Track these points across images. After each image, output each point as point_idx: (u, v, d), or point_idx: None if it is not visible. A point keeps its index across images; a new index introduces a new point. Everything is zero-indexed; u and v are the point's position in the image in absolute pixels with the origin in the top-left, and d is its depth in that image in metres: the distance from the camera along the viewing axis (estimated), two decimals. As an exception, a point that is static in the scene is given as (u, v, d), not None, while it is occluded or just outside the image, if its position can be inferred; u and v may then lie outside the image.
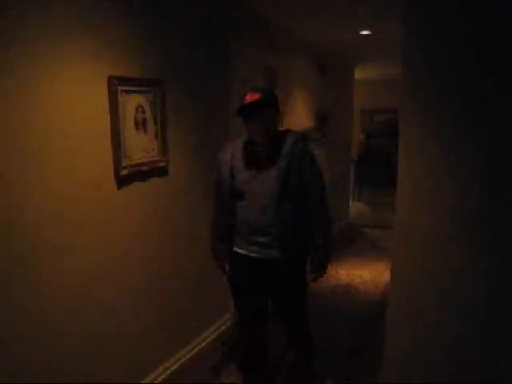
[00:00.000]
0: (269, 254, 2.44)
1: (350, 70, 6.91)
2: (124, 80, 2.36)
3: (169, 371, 2.90)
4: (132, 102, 2.43)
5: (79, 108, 2.17)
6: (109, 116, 2.31)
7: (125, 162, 2.40)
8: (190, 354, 3.12)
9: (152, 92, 2.56)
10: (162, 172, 2.73)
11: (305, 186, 2.37)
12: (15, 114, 1.89)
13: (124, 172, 2.40)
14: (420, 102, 2.14)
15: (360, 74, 7.26)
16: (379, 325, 3.68)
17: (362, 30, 4.49)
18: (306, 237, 2.47)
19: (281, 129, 2.51)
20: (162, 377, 2.85)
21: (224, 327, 3.53)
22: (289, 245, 2.42)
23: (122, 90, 2.36)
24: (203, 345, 3.25)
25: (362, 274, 4.99)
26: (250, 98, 2.30)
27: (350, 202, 7.73)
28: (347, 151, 7.25)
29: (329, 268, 2.55)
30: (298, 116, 4.96)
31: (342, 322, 3.82)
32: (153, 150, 2.61)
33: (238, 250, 2.53)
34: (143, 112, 2.50)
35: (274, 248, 2.42)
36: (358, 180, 8.99)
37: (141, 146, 2.52)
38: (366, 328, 3.73)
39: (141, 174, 2.54)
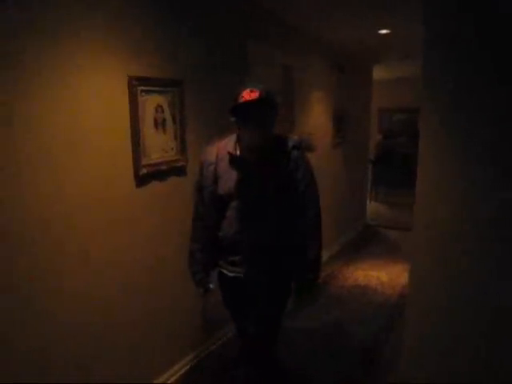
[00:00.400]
0: (253, 273, 2.18)
1: (368, 70, 6.85)
2: (144, 80, 2.39)
3: (186, 368, 2.92)
4: (151, 102, 2.45)
5: (100, 108, 2.20)
6: (129, 116, 2.34)
7: (144, 162, 2.43)
8: (206, 352, 3.13)
9: (171, 92, 2.58)
10: (181, 171, 2.75)
11: (299, 196, 2.14)
12: (39, 114, 1.93)
13: (143, 171, 2.43)
14: (439, 101, 2.11)
15: (378, 73, 7.20)
16: (396, 326, 3.66)
17: (381, 28, 4.45)
18: (295, 252, 2.18)
19: (276, 134, 2.19)
20: (174, 378, 2.89)
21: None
22: (275, 262, 2.17)
23: (142, 90, 2.39)
24: (220, 343, 3.26)
25: (379, 276, 4.94)
26: (248, 96, 1.97)
27: (368, 203, 7.66)
28: (365, 151, 7.19)
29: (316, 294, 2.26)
30: (315, 116, 4.94)
31: (359, 323, 3.79)
32: (172, 149, 2.63)
33: (223, 271, 2.27)
34: (162, 112, 2.52)
35: (259, 266, 2.17)
36: (375, 180, 8.92)
37: (160, 146, 2.54)
38: (383, 329, 3.70)
39: (159, 173, 2.57)
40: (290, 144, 2.14)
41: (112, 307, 2.38)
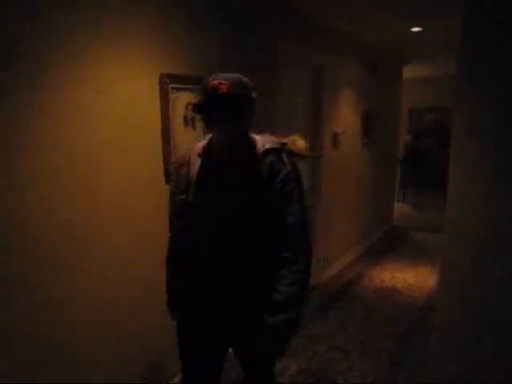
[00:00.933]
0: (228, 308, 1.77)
1: (399, 68, 6.75)
2: (175, 78, 2.41)
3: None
4: (182, 100, 2.48)
5: (131, 105, 2.24)
6: (159, 113, 2.37)
7: (174, 158, 2.45)
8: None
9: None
10: (209, 169, 2.76)
11: (280, 210, 1.69)
12: (73, 110, 1.97)
13: (173, 168, 2.45)
14: (472, 101, 2.07)
15: (408, 72, 7.09)
16: (422, 329, 3.60)
17: (413, 26, 4.38)
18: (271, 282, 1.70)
19: (255, 133, 1.80)
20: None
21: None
22: (252, 293, 1.74)
23: (173, 88, 2.41)
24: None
25: (405, 278, 4.87)
26: (216, 88, 1.59)
27: (395, 204, 7.56)
28: (394, 151, 7.09)
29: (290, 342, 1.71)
30: (344, 116, 4.90)
31: (385, 325, 3.75)
32: (200, 146, 2.65)
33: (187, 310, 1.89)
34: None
35: (234, 298, 1.75)
36: (403, 181, 8.78)
37: (189, 143, 2.56)
38: (409, 331, 3.65)
39: (188, 170, 2.59)
40: (260, 146, 1.71)
41: (141, 305, 2.42)
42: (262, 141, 1.74)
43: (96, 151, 2.09)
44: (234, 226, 1.68)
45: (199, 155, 1.77)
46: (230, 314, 1.76)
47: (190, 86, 2.53)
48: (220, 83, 1.59)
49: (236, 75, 1.69)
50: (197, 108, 1.65)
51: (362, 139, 5.44)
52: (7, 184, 1.76)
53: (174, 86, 2.42)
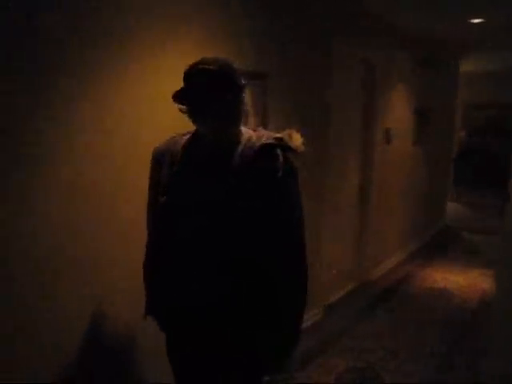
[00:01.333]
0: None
1: (455, 63, 6.50)
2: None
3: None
4: (235, 95, 2.49)
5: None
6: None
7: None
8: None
9: (255, 85, 2.61)
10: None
11: (270, 218, 1.45)
12: (124, 107, 2.00)
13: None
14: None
15: (466, 66, 6.81)
16: (474, 333, 3.48)
17: (473, 17, 4.18)
18: (256, 308, 1.48)
19: (247, 128, 1.58)
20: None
21: (313, 320, 3.55)
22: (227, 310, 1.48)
23: (227, 83, 2.43)
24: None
25: (457, 280, 4.72)
26: (196, 76, 1.42)
27: (448, 203, 7.30)
28: (448, 149, 6.86)
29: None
30: (396, 112, 4.78)
31: (435, 327, 3.64)
32: (252, 141, 2.66)
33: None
34: (245, 104, 2.56)
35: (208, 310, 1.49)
36: (456, 179, 8.46)
37: (241, 138, 2.58)
38: (461, 333, 3.53)
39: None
40: (254, 142, 1.47)
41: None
42: (257, 136, 1.50)
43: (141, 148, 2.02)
44: (215, 235, 1.44)
45: (182, 148, 1.54)
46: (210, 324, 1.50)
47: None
48: (201, 69, 1.41)
49: (221, 59, 1.47)
50: (175, 96, 1.44)
51: (414, 136, 5.30)
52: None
53: (227, 81, 2.44)
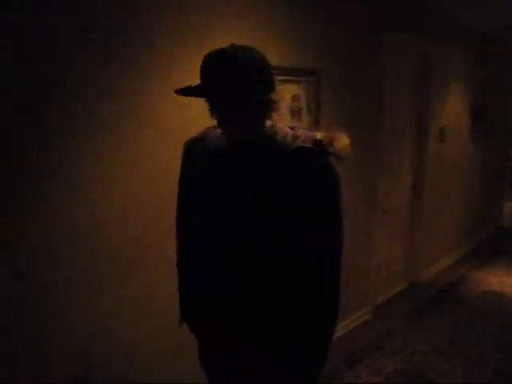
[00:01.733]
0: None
1: (513, 58, 6.20)
2: (282, 70, 2.44)
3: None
4: (288, 92, 2.51)
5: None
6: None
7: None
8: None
9: (307, 82, 2.62)
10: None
11: (305, 233, 1.27)
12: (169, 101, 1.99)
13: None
14: None
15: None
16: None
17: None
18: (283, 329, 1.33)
19: (275, 125, 1.32)
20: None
21: (362, 320, 3.51)
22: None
23: (279, 80, 2.45)
24: (341, 333, 3.27)
25: (515, 283, 4.52)
26: (202, 71, 1.24)
27: (505, 204, 6.98)
28: (505, 147, 6.55)
29: None
30: (450, 108, 4.62)
31: (491, 332, 3.51)
32: (305, 138, 2.67)
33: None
34: (299, 101, 2.57)
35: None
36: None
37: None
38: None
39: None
40: (288, 144, 1.27)
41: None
42: (292, 136, 1.29)
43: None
44: (240, 253, 1.30)
45: (210, 144, 1.38)
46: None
47: (297, 78, 2.56)
48: (209, 61, 1.24)
49: (236, 48, 1.27)
50: (182, 91, 1.23)
51: (469, 133, 5.11)
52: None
53: (280, 78, 2.45)
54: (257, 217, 1.26)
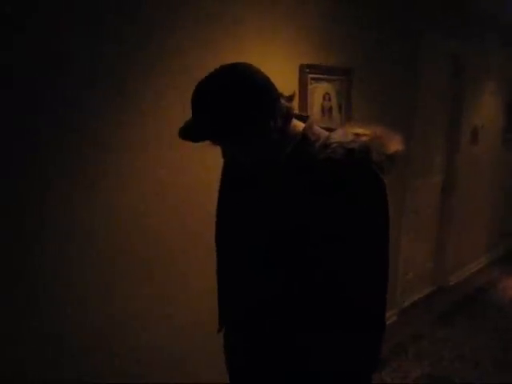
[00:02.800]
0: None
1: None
2: (314, 68, 2.43)
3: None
4: (320, 90, 2.49)
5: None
6: (298, 103, 2.40)
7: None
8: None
9: (339, 80, 2.59)
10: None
11: (338, 262, 1.07)
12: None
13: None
14: None
15: None
16: None
17: None
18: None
19: (308, 129, 1.12)
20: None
21: (389, 322, 3.45)
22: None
23: (312, 78, 2.43)
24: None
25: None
26: (185, 124, 1.04)
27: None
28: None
29: None
30: (484, 108, 4.50)
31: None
32: (335, 138, 2.64)
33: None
34: (329, 100, 2.54)
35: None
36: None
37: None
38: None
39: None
40: (318, 150, 1.06)
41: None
42: (322, 144, 1.07)
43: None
44: (260, 279, 1.14)
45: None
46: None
47: (329, 77, 2.53)
48: (193, 109, 1.04)
49: (225, 87, 1.02)
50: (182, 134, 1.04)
51: (503, 134, 4.97)
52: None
53: (312, 76, 2.44)
54: (277, 239, 1.08)
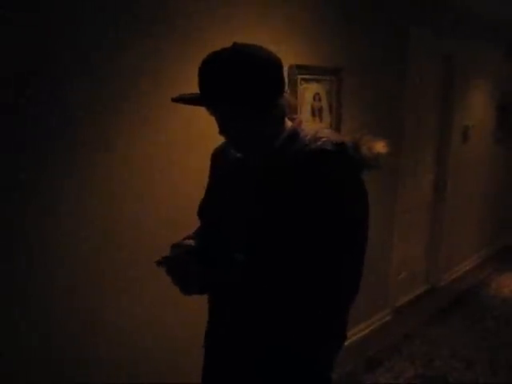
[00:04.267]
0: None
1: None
2: (304, 68, 2.42)
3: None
4: (310, 91, 2.48)
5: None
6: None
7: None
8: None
9: (329, 81, 2.58)
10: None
11: (319, 252, 1.13)
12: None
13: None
14: None
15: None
16: None
17: None
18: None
19: (298, 125, 1.21)
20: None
21: (381, 322, 3.46)
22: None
23: (302, 79, 2.42)
24: (361, 335, 3.24)
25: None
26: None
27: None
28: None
29: None
30: (475, 108, 4.51)
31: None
32: (326, 138, 2.64)
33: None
34: (320, 100, 2.54)
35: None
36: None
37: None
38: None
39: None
40: (303, 145, 1.14)
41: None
42: (313, 137, 1.14)
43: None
44: (259, 260, 1.18)
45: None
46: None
47: (319, 77, 2.52)
48: (199, 72, 1.12)
49: (236, 53, 1.14)
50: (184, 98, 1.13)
51: (495, 134, 4.99)
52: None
53: (302, 76, 2.43)
54: (273, 226, 1.13)
